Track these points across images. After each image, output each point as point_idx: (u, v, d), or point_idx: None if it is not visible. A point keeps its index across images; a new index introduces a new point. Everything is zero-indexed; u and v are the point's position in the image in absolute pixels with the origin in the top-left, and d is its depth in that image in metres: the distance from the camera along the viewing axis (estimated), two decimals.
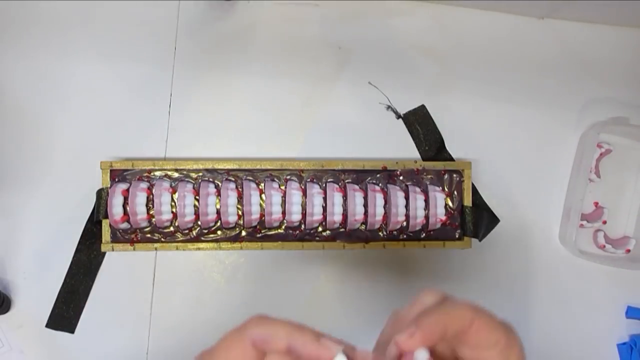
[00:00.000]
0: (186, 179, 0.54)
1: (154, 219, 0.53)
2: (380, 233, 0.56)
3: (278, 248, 0.55)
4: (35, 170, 0.56)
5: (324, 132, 0.59)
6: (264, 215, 0.54)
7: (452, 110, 0.60)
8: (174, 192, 0.53)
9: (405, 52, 0.60)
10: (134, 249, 0.53)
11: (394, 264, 0.58)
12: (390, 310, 0.32)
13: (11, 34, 0.57)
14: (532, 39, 0.62)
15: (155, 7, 0.58)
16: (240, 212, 0.54)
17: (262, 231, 0.55)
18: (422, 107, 0.59)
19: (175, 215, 0.53)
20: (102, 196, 0.53)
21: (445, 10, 0.61)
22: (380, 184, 0.56)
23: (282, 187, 0.54)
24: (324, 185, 0.55)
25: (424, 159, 0.59)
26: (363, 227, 0.55)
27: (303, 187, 0.55)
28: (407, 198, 0.55)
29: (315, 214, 0.54)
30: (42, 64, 0.57)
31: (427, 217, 0.55)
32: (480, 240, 0.57)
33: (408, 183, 0.56)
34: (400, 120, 0.59)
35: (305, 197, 0.54)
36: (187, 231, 0.54)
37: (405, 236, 0.56)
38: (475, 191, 0.58)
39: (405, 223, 0.55)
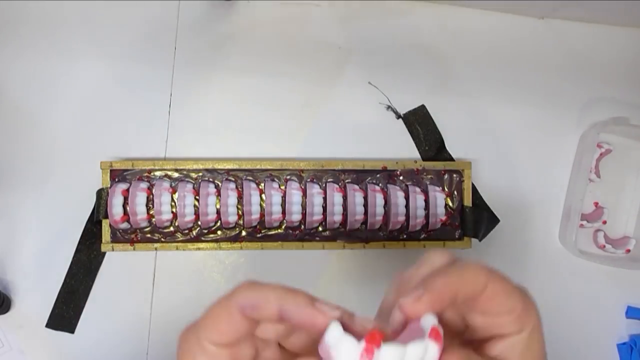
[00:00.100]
0: (186, 179, 0.54)
1: (154, 219, 0.53)
2: (380, 233, 0.56)
3: (278, 248, 0.55)
4: (35, 170, 0.56)
5: (324, 132, 0.59)
6: (264, 215, 0.54)
7: (452, 110, 0.60)
8: (174, 192, 0.53)
9: (405, 52, 0.60)
10: (134, 249, 0.53)
11: (394, 264, 0.58)
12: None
13: (11, 34, 0.57)
14: (532, 39, 0.62)
15: (155, 7, 0.58)
16: (240, 212, 0.54)
17: (262, 231, 0.55)
18: (422, 107, 0.59)
19: (175, 215, 0.53)
20: (102, 196, 0.53)
21: (445, 10, 0.61)
22: (380, 184, 0.56)
23: (282, 187, 0.54)
24: (324, 185, 0.55)
25: (424, 159, 0.59)
26: (363, 227, 0.55)
27: (303, 187, 0.55)
28: (407, 198, 0.55)
29: (315, 214, 0.54)
30: (42, 64, 0.57)
31: (427, 217, 0.55)
32: (480, 240, 0.57)
33: (408, 183, 0.56)
34: (400, 120, 0.59)
35: (305, 197, 0.54)
36: (187, 231, 0.54)
37: (405, 236, 0.56)
38: (475, 191, 0.58)
39: (405, 223, 0.55)
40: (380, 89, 0.59)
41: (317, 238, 0.55)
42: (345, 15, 0.60)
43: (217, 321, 0.26)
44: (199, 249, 0.54)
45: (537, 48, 0.62)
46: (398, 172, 0.56)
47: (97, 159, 0.54)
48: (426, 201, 0.55)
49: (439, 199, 0.56)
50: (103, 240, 0.53)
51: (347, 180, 0.55)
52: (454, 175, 0.56)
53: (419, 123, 0.59)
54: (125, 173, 0.54)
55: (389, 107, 0.59)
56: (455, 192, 0.56)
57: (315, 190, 0.54)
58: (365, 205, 0.54)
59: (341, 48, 0.60)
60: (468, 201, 0.56)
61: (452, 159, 0.59)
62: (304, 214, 0.54)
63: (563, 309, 0.59)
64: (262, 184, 0.54)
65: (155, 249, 0.54)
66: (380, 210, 0.54)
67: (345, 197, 0.54)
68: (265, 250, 0.55)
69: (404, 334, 0.26)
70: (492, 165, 0.60)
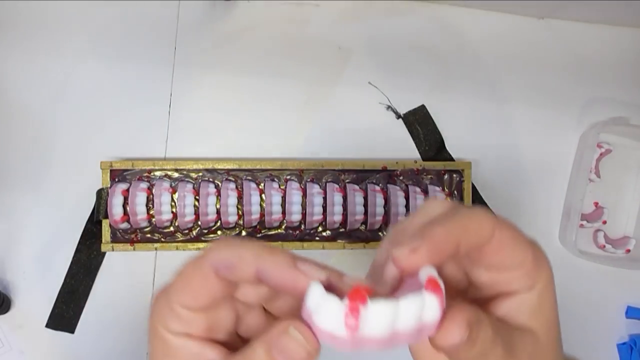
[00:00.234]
0: (186, 179, 0.54)
1: (154, 219, 0.53)
2: (380, 233, 0.56)
3: None
4: (35, 170, 0.56)
5: (324, 132, 0.59)
6: (264, 215, 0.54)
7: (452, 110, 0.60)
8: (174, 192, 0.53)
9: (405, 52, 0.60)
10: (134, 249, 0.53)
11: None
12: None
13: (11, 34, 0.57)
14: (532, 39, 0.62)
15: (155, 7, 0.58)
16: (240, 212, 0.54)
17: (262, 231, 0.55)
18: (422, 107, 0.59)
19: (175, 215, 0.53)
20: (102, 196, 0.53)
21: (445, 10, 0.61)
22: (380, 184, 0.56)
23: (282, 187, 0.54)
24: (324, 185, 0.55)
25: (424, 159, 0.59)
26: (363, 227, 0.55)
27: (303, 187, 0.55)
28: (407, 198, 0.55)
29: (315, 214, 0.54)
30: (42, 64, 0.57)
31: None
32: None
33: (408, 183, 0.56)
34: (400, 120, 0.59)
35: (305, 197, 0.54)
36: (187, 231, 0.54)
37: None
38: (475, 191, 0.58)
39: None
40: (380, 89, 0.59)
41: (317, 238, 0.55)
42: (345, 15, 0.60)
43: (189, 283, 0.23)
44: (199, 249, 0.54)
45: (537, 48, 0.62)
46: (398, 172, 0.56)
47: (97, 159, 0.54)
48: None
49: (439, 199, 0.56)
50: (103, 240, 0.53)
51: (347, 180, 0.55)
52: (454, 175, 0.56)
53: (419, 123, 0.59)
54: (125, 173, 0.54)
55: (389, 107, 0.59)
56: (455, 192, 0.56)
57: (315, 190, 0.54)
58: (365, 205, 0.54)
59: (341, 48, 0.60)
60: (468, 201, 0.56)
61: (452, 159, 0.59)
62: (304, 214, 0.54)
63: (563, 309, 0.59)
64: (262, 184, 0.54)
65: (155, 249, 0.54)
66: (380, 210, 0.54)
67: (345, 197, 0.54)
68: None
69: (399, 293, 0.23)
70: (492, 165, 0.60)
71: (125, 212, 0.52)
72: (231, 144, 0.58)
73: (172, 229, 0.54)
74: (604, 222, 0.60)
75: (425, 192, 0.55)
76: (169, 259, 0.56)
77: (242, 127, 0.58)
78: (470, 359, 0.22)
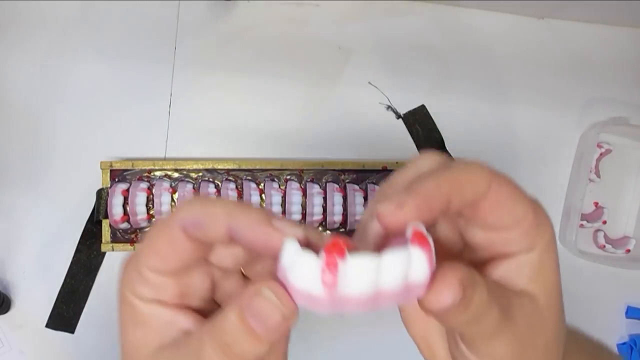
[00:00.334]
0: (186, 179, 0.54)
1: (154, 219, 0.53)
2: None
3: None
4: (35, 170, 0.56)
5: (324, 132, 0.59)
6: None
7: (452, 110, 0.60)
8: (174, 192, 0.53)
9: (405, 52, 0.60)
10: (134, 249, 0.53)
11: None
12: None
13: (11, 34, 0.57)
14: (532, 39, 0.62)
15: (155, 7, 0.58)
16: None
17: None
18: (422, 107, 0.59)
19: None
20: (102, 196, 0.53)
21: (445, 10, 0.61)
22: (380, 184, 0.56)
23: (282, 187, 0.54)
24: (324, 185, 0.55)
25: None
26: None
27: (303, 187, 0.55)
28: None
29: (315, 214, 0.54)
30: (42, 64, 0.57)
31: None
32: None
33: None
34: (400, 120, 0.59)
35: (305, 197, 0.54)
36: None
37: None
38: None
39: None
40: (380, 89, 0.59)
41: None
42: (345, 15, 0.60)
43: (157, 244, 0.21)
44: None
45: (537, 48, 0.62)
46: None
47: (97, 159, 0.54)
48: None
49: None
50: (103, 240, 0.53)
51: (347, 180, 0.55)
52: None
53: (419, 123, 0.59)
54: (125, 173, 0.54)
55: (389, 107, 0.59)
56: None
57: (315, 190, 0.54)
58: (366, 205, 0.54)
59: (341, 48, 0.60)
60: None
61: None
62: (304, 214, 0.54)
63: None
64: (262, 184, 0.54)
65: None
66: None
67: (345, 197, 0.54)
68: None
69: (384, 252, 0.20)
70: (492, 165, 0.60)
71: (125, 212, 0.52)
72: (231, 144, 0.58)
73: None
74: (604, 222, 0.60)
75: None
76: None
77: (242, 127, 0.58)
78: (463, 324, 0.20)
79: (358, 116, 0.59)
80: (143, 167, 0.54)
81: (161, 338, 0.22)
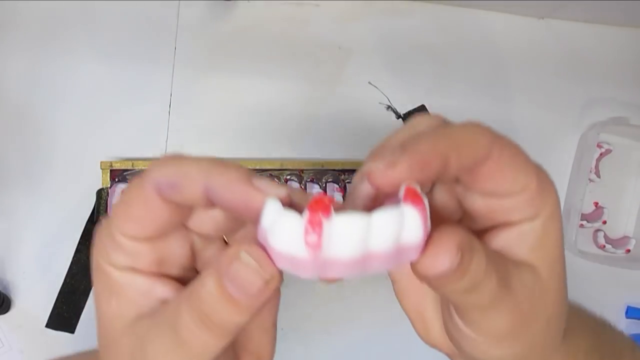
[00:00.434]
0: None
1: None
2: None
3: None
4: (35, 170, 0.56)
5: (324, 132, 0.59)
6: None
7: (452, 110, 0.60)
8: None
9: (405, 52, 0.60)
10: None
11: None
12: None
13: (11, 34, 0.57)
14: (532, 39, 0.62)
15: (155, 7, 0.58)
16: None
17: None
18: (422, 107, 0.59)
19: None
20: (102, 196, 0.53)
21: (445, 10, 0.61)
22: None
23: None
24: (324, 185, 0.55)
25: None
26: None
27: (303, 187, 0.55)
28: None
29: None
30: (42, 64, 0.57)
31: None
32: None
33: None
34: (400, 120, 0.59)
35: None
36: None
37: None
38: None
39: None
40: (380, 89, 0.59)
41: None
42: (345, 15, 0.60)
43: (130, 207, 0.20)
44: None
45: (537, 48, 0.62)
46: None
47: (97, 159, 0.54)
48: None
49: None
50: None
51: (347, 181, 0.55)
52: None
53: None
54: (125, 173, 0.54)
55: (389, 107, 0.59)
56: None
57: (315, 190, 0.54)
58: None
59: (341, 48, 0.60)
60: None
61: None
62: None
63: None
64: None
65: None
66: None
67: (345, 197, 0.54)
68: None
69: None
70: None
71: None
72: (231, 144, 0.58)
73: None
74: (604, 222, 0.60)
75: None
76: None
77: (242, 127, 0.58)
78: (458, 292, 0.18)
79: (358, 116, 0.59)
80: (143, 167, 0.54)
81: (138, 308, 0.20)
